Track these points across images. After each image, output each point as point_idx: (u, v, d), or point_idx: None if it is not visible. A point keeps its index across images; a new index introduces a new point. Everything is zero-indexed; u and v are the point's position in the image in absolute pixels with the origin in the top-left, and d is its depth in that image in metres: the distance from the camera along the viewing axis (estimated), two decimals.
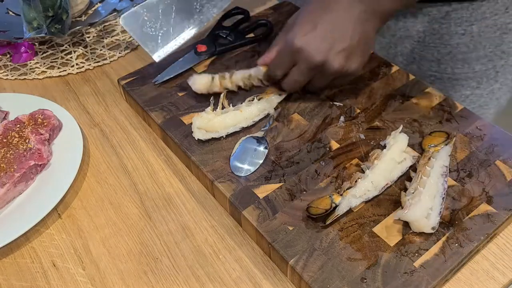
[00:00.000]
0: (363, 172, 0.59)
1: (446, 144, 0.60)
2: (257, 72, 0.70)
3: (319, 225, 0.54)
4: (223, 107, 0.66)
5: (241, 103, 0.67)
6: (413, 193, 0.55)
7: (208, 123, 0.64)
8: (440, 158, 0.58)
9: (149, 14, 0.72)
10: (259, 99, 0.67)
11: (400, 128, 0.62)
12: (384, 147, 0.61)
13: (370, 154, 0.60)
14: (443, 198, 0.55)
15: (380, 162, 0.58)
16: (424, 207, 0.53)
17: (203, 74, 0.70)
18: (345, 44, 0.60)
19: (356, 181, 0.56)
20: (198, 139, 0.64)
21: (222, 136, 0.64)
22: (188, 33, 0.75)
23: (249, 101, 0.67)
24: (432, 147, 0.60)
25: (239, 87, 0.71)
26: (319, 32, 0.60)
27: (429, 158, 0.58)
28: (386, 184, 0.57)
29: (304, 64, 0.62)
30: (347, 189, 0.56)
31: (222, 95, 0.67)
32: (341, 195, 0.55)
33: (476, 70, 0.80)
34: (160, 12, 0.73)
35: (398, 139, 0.61)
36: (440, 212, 0.54)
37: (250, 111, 0.66)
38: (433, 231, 0.53)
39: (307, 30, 0.60)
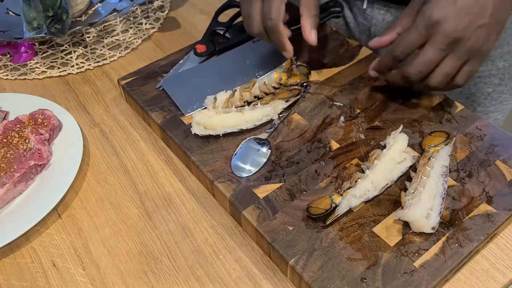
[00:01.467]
0: (363, 172, 0.59)
1: (446, 144, 0.60)
2: (270, 79, 0.70)
3: (319, 225, 0.54)
4: (226, 107, 0.66)
5: (246, 106, 0.67)
6: (413, 193, 0.55)
7: (207, 120, 0.64)
8: (440, 158, 0.58)
9: (190, 78, 0.72)
10: (263, 104, 0.67)
11: (400, 128, 0.62)
12: (384, 147, 0.61)
13: (370, 154, 0.60)
14: (443, 198, 0.55)
15: (380, 162, 0.58)
16: (424, 207, 0.53)
17: (220, 92, 0.68)
18: (485, 21, 0.57)
19: (356, 181, 0.56)
20: (195, 133, 0.63)
21: (220, 135, 0.64)
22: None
23: (254, 105, 0.67)
24: (432, 147, 0.60)
25: (255, 97, 0.70)
26: (459, 5, 0.57)
27: (429, 158, 0.58)
28: (386, 184, 0.57)
29: (441, 38, 0.57)
30: (347, 189, 0.56)
31: (228, 94, 0.67)
32: (341, 195, 0.55)
33: (500, 67, 0.80)
34: (203, 76, 0.73)
35: (398, 139, 0.61)
36: (440, 212, 0.54)
37: (253, 115, 0.65)
38: (433, 231, 0.53)
39: (446, 3, 0.57)
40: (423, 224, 0.52)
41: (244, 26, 0.67)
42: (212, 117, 0.64)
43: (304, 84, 0.71)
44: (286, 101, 0.68)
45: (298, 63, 0.73)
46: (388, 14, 0.82)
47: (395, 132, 0.62)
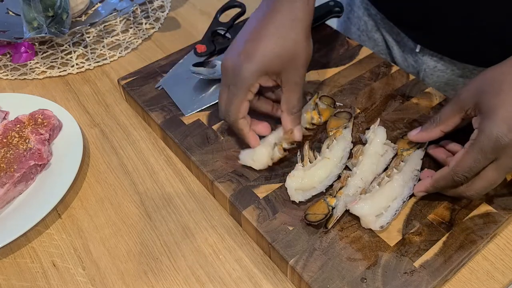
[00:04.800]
0: (350, 169, 0.59)
1: (418, 148, 0.60)
2: (303, 121, 0.64)
3: (321, 231, 0.54)
4: (310, 161, 0.60)
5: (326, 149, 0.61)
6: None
7: (302, 182, 0.57)
8: (412, 161, 0.58)
9: (191, 78, 0.72)
10: (336, 139, 0.61)
11: (378, 121, 0.62)
12: (366, 142, 0.61)
13: (353, 151, 0.60)
14: (403, 201, 0.55)
15: (364, 157, 0.58)
16: (377, 206, 0.53)
17: (258, 148, 0.60)
18: None
19: (346, 180, 0.56)
20: (299, 201, 0.57)
21: (323, 191, 0.58)
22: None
23: (328, 145, 0.61)
24: (405, 151, 0.60)
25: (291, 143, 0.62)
26: None
27: (401, 162, 0.58)
28: (374, 178, 0.57)
29: (509, 162, 0.50)
30: (339, 189, 0.56)
31: (306, 148, 0.60)
32: (334, 196, 0.55)
33: None
34: (204, 78, 0.72)
35: (377, 133, 0.61)
36: (396, 213, 0.54)
37: (336, 154, 0.59)
38: (381, 229, 0.53)
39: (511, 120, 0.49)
40: (370, 220, 0.53)
41: None
42: (305, 177, 0.57)
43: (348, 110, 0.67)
44: (345, 128, 0.63)
45: (321, 94, 0.68)
46: (441, 62, 0.77)
47: (373, 126, 0.62)
